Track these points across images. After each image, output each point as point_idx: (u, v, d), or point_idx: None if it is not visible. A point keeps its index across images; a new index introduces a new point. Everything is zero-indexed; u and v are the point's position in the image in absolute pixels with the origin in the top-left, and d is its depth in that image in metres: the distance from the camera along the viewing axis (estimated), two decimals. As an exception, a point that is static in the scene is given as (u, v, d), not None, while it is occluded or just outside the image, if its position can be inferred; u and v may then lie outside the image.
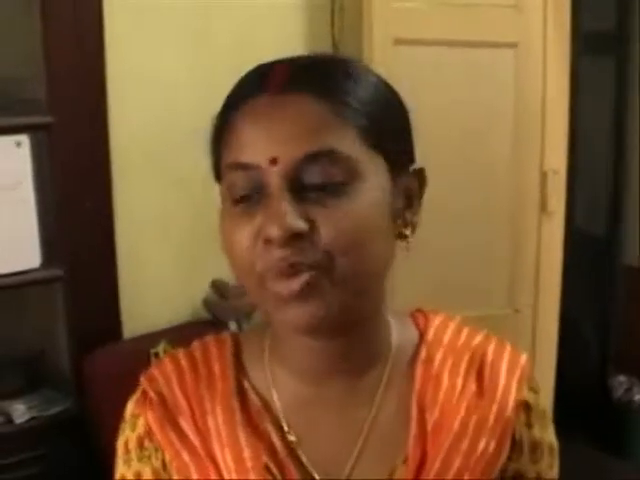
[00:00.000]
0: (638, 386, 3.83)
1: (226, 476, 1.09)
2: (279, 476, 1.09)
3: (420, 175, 1.11)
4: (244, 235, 1.00)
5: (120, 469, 1.19)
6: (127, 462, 1.17)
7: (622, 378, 3.90)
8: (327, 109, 1.01)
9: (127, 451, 1.17)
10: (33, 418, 2.06)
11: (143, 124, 2.15)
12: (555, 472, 1.20)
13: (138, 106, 2.14)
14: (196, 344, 1.19)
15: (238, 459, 1.10)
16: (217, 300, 2.22)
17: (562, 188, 2.67)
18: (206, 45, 2.22)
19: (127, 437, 1.17)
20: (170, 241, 2.24)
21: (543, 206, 2.63)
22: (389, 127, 1.06)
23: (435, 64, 2.40)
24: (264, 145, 1.01)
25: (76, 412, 2.07)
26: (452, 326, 1.19)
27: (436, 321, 1.19)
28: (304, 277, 0.99)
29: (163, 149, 2.19)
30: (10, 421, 2.04)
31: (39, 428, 2.05)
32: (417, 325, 1.19)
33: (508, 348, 1.17)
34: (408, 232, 1.08)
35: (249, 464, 1.09)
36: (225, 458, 1.11)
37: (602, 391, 3.89)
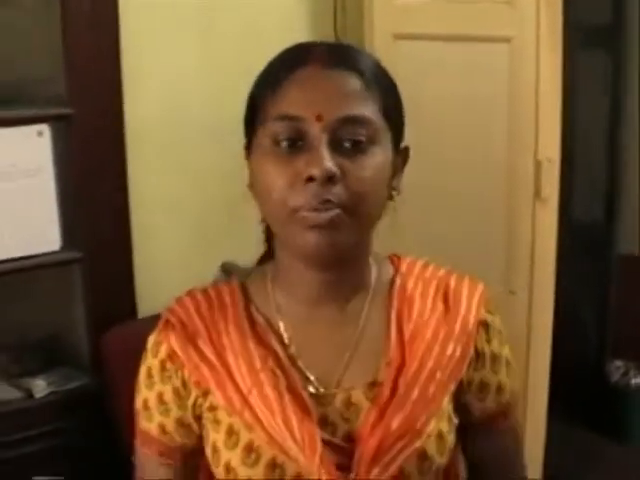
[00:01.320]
0: (634, 370, 3.90)
1: (239, 381, 1.31)
2: (283, 379, 1.30)
3: (405, 152, 1.39)
4: (284, 174, 1.24)
5: (142, 394, 1.41)
6: (149, 386, 1.40)
7: (619, 363, 3.95)
8: (359, 84, 1.28)
9: (150, 376, 1.40)
10: (52, 393, 2.11)
11: (157, 114, 2.20)
12: (514, 381, 1.46)
13: (151, 97, 2.19)
14: (209, 285, 1.43)
15: (250, 364, 1.31)
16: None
17: (556, 175, 2.72)
18: (214, 40, 2.28)
19: (150, 364, 1.40)
20: (182, 225, 2.29)
21: (537, 192, 2.69)
22: (397, 107, 1.35)
23: (433, 58, 2.45)
24: (311, 104, 1.24)
25: (93, 388, 2.13)
26: (420, 262, 1.45)
27: (407, 259, 1.45)
28: (332, 213, 1.22)
29: (176, 138, 2.24)
30: (31, 396, 2.10)
31: (58, 403, 2.10)
32: (392, 263, 1.45)
33: (467, 278, 1.43)
34: (395, 194, 1.37)
35: (258, 367, 1.31)
36: (239, 365, 1.32)
37: (599, 375, 3.96)
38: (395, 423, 1.29)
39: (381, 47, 2.24)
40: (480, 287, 1.43)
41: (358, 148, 1.26)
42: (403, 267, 1.45)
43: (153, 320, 1.46)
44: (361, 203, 1.25)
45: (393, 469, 1.28)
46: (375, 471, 1.27)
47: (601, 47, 3.96)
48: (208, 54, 2.29)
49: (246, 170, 1.36)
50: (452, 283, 1.43)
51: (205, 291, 1.43)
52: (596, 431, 3.88)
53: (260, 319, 1.39)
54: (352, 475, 1.27)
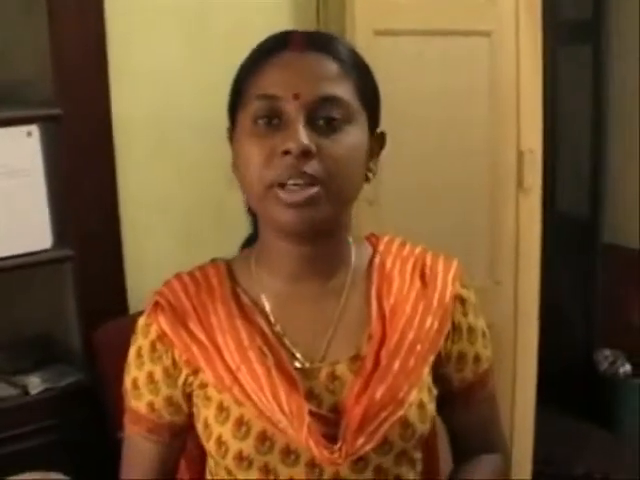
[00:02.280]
0: (622, 359, 3.94)
1: (228, 358, 1.36)
2: (270, 355, 1.36)
3: (382, 137, 1.45)
4: (260, 151, 1.30)
5: (132, 373, 1.46)
6: (139, 366, 1.45)
7: (607, 352, 3.99)
8: (336, 67, 1.34)
9: (139, 356, 1.45)
10: (47, 390, 2.14)
11: (144, 113, 2.22)
12: (489, 351, 1.53)
13: (139, 96, 2.21)
14: (195, 267, 1.48)
15: (238, 342, 1.37)
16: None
17: (538, 166, 2.74)
18: (201, 38, 2.30)
19: (140, 344, 1.45)
20: (172, 222, 2.32)
21: (520, 183, 2.72)
22: (373, 91, 1.41)
23: (414, 53, 2.48)
24: (289, 84, 1.31)
25: (87, 383, 2.16)
26: (397, 241, 1.51)
27: (385, 239, 1.51)
28: (311, 191, 1.28)
29: (164, 136, 2.27)
30: (26, 393, 2.13)
31: (53, 399, 2.13)
32: (370, 243, 1.51)
33: (442, 256, 1.49)
34: (371, 176, 1.43)
35: (246, 344, 1.36)
36: (227, 343, 1.37)
37: (588, 365, 4.01)
38: (379, 393, 1.35)
39: (362, 43, 2.25)
40: (454, 263, 1.50)
41: (333, 127, 1.32)
42: (381, 246, 1.51)
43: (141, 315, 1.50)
44: (336, 179, 1.31)
45: (378, 437, 1.33)
46: (361, 440, 1.32)
47: (583, 40, 3.99)
48: (195, 52, 2.31)
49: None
50: (428, 260, 1.48)
51: (192, 273, 1.48)
52: (585, 420, 3.92)
53: (246, 299, 1.44)
54: (339, 444, 1.32)
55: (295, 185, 1.29)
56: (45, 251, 2.09)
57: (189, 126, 2.27)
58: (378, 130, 1.45)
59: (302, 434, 1.31)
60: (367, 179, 1.42)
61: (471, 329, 1.50)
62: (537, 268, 2.83)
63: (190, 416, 1.46)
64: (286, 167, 1.29)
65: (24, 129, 2.01)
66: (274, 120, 1.32)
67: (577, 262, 4.13)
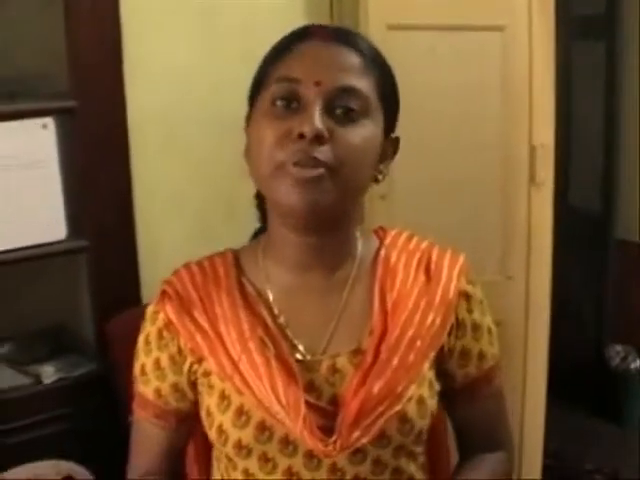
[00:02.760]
0: (633, 355, 3.93)
1: (230, 348, 1.38)
2: (271, 346, 1.37)
3: (396, 143, 1.46)
4: (274, 131, 1.31)
5: (140, 359, 1.49)
6: (147, 352, 1.48)
7: (618, 347, 3.98)
8: (359, 61, 1.36)
9: (147, 343, 1.48)
10: (60, 379, 2.16)
11: (158, 107, 2.23)
12: (495, 348, 1.52)
13: (153, 90, 2.22)
14: (203, 257, 1.50)
15: (239, 332, 1.38)
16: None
17: (551, 160, 2.73)
18: (215, 32, 2.31)
19: (148, 332, 1.48)
20: (185, 215, 2.33)
21: (532, 177, 2.70)
22: (392, 92, 1.43)
23: (427, 47, 2.48)
24: (311, 70, 1.32)
25: (99, 373, 2.18)
26: (405, 234, 1.51)
27: (392, 232, 1.51)
28: (317, 171, 1.28)
29: (177, 130, 2.28)
30: (39, 382, 2.15)
31: (66, 388, 2.16)
32: (378, 236, 1.51)
33: (449, 251, 1.48)
34: (380, 178, 1.41)
35: (247, 335, 1.37)
36: (229, 333, 1.38)
37: (599, 360, 4.00)
38: (376, 388, 1.35)
39: (376, 37, 2.21)
40: (461, 259, 1.49)
41: (349, 117, 1.33)
42: (387, 239, 1.51)
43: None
44: (345, 167, 1.31)
45: (374, 432, 1.34)
46: (356, 433, 1.33)
47: (597, 35, 3.98)
48: (209, 46, 2.32)
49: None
50: (434, 255, 1.48)
51: (200, 263, 1.50)
52: (596, 415, 3.91)
53: (250, 289, 1.45)
54: (334, 436, 1.33)
55: (303, 165, 1.29)
56: (59, 242, 2.10)
57: (203, 121, 2.28)
58: (393, 135, 1.45)
59: (298, 424, 1.32)
60: (376, 180, 1.42)
61: (476, 326, 1.49)
62: (549, 263, 2.83)
63: (196, 403, 1.48)
64: (298, 150, 1.29)
65: (40, 121, 2.03)
66: (293, 103, 1.33)
67: (589, 257, 4.12)
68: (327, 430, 1.34)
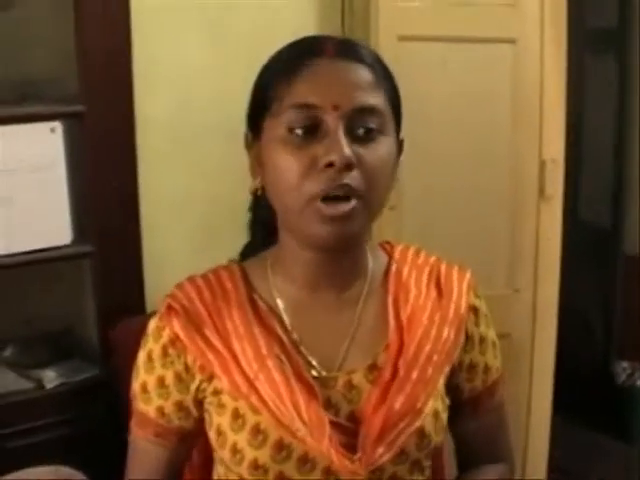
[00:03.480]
0: (640, 371, 3.87)
1: (245, 366, 1.34)
2: (287, 364, 1.34)
3: (401, 144, 1.43)
4: (300, 161, 1.27)
5: (141, 377, 1.44)
6: (149, 370, 1.43)
7: (625, 364, 3.95)
8: (370, 76, 1.32)
9: (150, 360, 1.42)
10: (62, 384, 2.14)
11: (167, 112, 2.23)
12: (499, 361, 1.52)
13: (161, 96, 2.22)
14: (208, 271, 1.45)
15: (255, 349, 1.35)
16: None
17: (560, 175, 2.73)
18: (224, 38, 2.31)
19: (150, 348, 1.42)
20: (191, 221, 2.32)
21: (541, 191, 2.70)
22: (398, 99, 1.40)
23: (437, 59, 2.47)
24: (328, 93, 1.28)
25: (102, 379, 2.15)
26: (412, 249, 1.50)
27: (399, 247, 1.50)
28: (352, 204, 1.26)
29: (186, 135, 2.27)
30: (41, 387, 2.13)
31: (68, 393, 2.14)
32: (385, 251, 1.49)
33: (456, 266, 1.48)
34: (394, 185, 1.39)
35: (264, 352, 1.34)
36: (245, 350, 1.35)
37: (605, 376, 3.97)
38: (398, 403, 1.34)
39: (386, 48, 2.25)
40: (468, 274, 1.49)
41: (370, 137, 1.31)
42: (396, 254, 1.50)
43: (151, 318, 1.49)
44: (374, 190, 1.30)
45: (396, 447, 1.33)
46: (380, 449, 1.32)
47: (608, 49, 3.97)
48: (218, 52, 2.31)
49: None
50: (443, 270, 1.48)
51: (205, 277, 1.46)
52: (601, 432, 3.87)
53: (262, 305, 1.42)
54: (358, 454, 1.31)
55: (336, 197, 1.27)
56: (65, 247, 2.09)
57: (210, 127, 2.28)
58: (400, 137, 1.43)
59: (323, 444, 1.30)
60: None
61: (482, 339, 1.50)
62: (557, 277, 2.82)
63: (199, 421, 1.44)
64: (328, 179, 1.27)
65: (48, 125, 2.02)
66: (312, 131, 1.29)
67: (597, 273, 4.10)
68: (348, 447, 1.32)
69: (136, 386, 1.47)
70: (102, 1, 2.04)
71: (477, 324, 1.49)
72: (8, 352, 2.27)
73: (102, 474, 1.84)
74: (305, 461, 1.33)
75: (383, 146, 1.32)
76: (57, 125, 2.03)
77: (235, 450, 1.35)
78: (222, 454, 1.38)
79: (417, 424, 1.35)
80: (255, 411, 1.34)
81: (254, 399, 1.34)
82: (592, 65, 3.96)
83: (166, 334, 1.41)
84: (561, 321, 2.90)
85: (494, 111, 2.61)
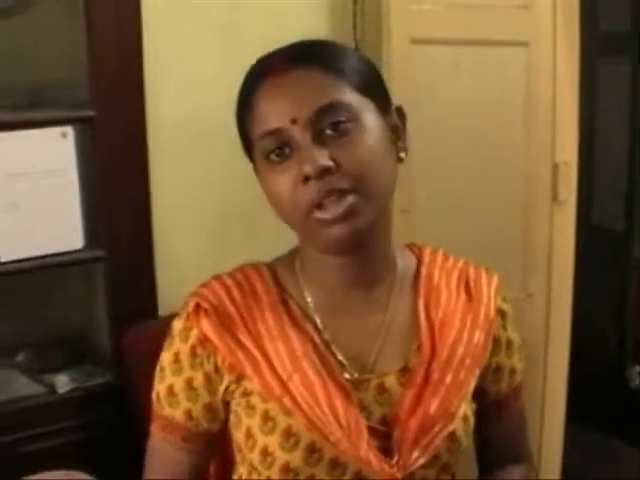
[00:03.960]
0: (654, 375, 3.86)
1: (279, 367, 1.33)
2: (320, 365, 1.33)
3: (400, 112, 1.40)
4: (285, 182, 1.27)
5: (167, 380, 1.41)
6: (176, 372, 1.40)
7: (638, 368, 3.94)
8: (323, 72, 1.30)
9: (177, 361, 1.40)
10: (75, 389, 2.14)
11: (179, 116, 2.22)
12: (523, 364, 1.53)
13: (173, 100, 2.21)
14: (234, 269, 1.44)
15: (290, 350, 1.33)
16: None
17: (573, 179, 2.72)
18: (236, 43, 2.30)
19: (177, 349, 1.40)
20: (203, 225, 2.31)
21: (554, 195, 2.69)
22: (371, 79, 1.36)
23: (449, 62, 2.46)
24: (282, 111, 1.28)
25: (115, 384, 2.15)
26: (441, 252, 1.50)
27: (428, 250, 1.49)
28: (345, 202, 1.25)
29: (196, 139, 2.27)
30: (54, 392, 2.13)
31: (80, 398, 2.14)
32: (414, 253, 1.49)
33: (484, 269, 1.48)
34: (403, 155, 1.36)
35: (299, 353, 1.33)
36: (278, 351, 1.33)
37: (619, 380, 3.95)
38: (433, 407, 1.34)
39: (398, 51, 2.26)
40: (495, 277, 1.50)
41: (341, 131, 1.28)
42: (426, 257, 1.49)
43: (174, 318, 1.47)
44: (365, 181, 1.27)
45: (430, 451, 1.33)
46: (415, 454, 1.32)
47: (621, 52, 3.96)
48: (230, 57, 2.29)
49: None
50: (471, 273, 1.48)
51: (233, 276, 1.44)
52: (616, 436, 3.85)
53: (294, 306, 1.41)
54: (395, 458, 1.31)
55: (330, 202, 1.26)
56: (77, 251, 2.09)
57: (222, 131, 2.25)
58: (393, 107, 1.40)
59: (361, 448, 1.30)
60: (400, 160, 1.38)
61: (509, 342, 1.50)
62: (570, 281, 2.81)
63: (225, 424, 1.43)
64: (313, 191, 1.26)
65: (59, 130, 2.02)
66: (285, 150, 1.30)
67: (611, 277, 4.09)
68: (382, 451, 1.32)
69: (161, 389, 1.44)
70: (113, 6, 2.05)
71: (505, 327, 1.49)
72: (21, 357, 2.28)
73: (115, 479, 1.84)
74: (336, 465, 1.32)
75: (361, 134, 1.29)
76: (69, 130, 2.03)
77: (266, 453, 1.33)
78: (251, 456, 1.36)
79: (451, 428, 1.35)
80: (287, 413, 1.33)
81: (287, 401, 1.32)
82: (605, 68, 3.94)
83: (194, 334, 1.39)
84: (574, 326, 2.89)
85: (506, 114, 2.60)
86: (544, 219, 2.73)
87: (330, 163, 1.26)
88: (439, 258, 1.50)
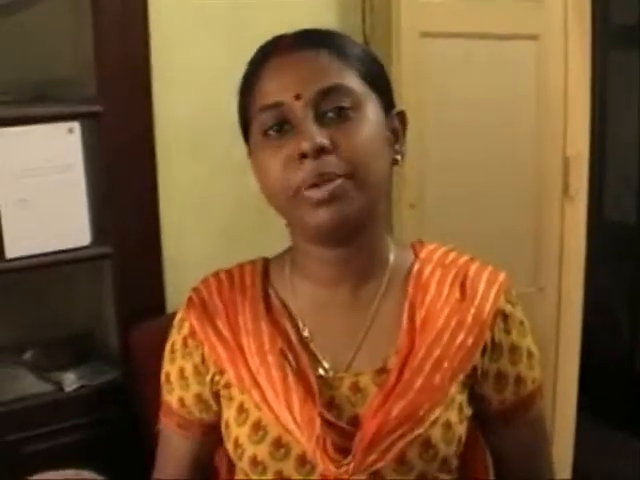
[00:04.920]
0: (667, 368, 3.86)
1: (250, 360, 1.33)
2: (293, 361, 1.32)
3: (402, 116, 1.38)
4: (278, 159, 1.26)
5: (166, 367, 1.46)
6: (172, 360, 1.45)
7: (652, 359, 3.94)
8: (331, 57, 1.29)
9: (173, 351, 1.45)
10: (82, 387, 2.14)
11: (186, 112, 2.21)
12: (537, 372, 1.43)
13: (181, 96, 2.20)
14: (235, 265, 1.47)
15: (259, 344, 1.34)
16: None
17: (585, 172, 2.71)
18: (244, 39, 2.20)
19: (174, 339, 1.45)
20: (211, 222, 2.30)
21: (565, 189, 2.68)
22: (378, 73, 1.35)
23: (460, 55, 2.44)
24: (287, 86, 1.27)
25: (122, 382, 2.15)
26: (442, 249, 1.44)
27: (430, 246, 1.45)
28: (333, 184, 1.23)
29: (205, 135, 2.25)
30: (61, 390, 2.13)
31: (88, 396, 2.13)
32: (414, 250, 1.44)
33: (489, 268, 1.41)
34: (399, 158, 1.34)
35: (267, 347, 1.33)
36: (250, 345, 1.34)
37: (631, 374, 3.95)
38: (395, 410, 1.29)
39: (408, 45, 2.24)
40: (501, 276, 1.41)
41: (343, 116, 1.27)
42: (423, 253, 1.45)
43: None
44: (360, 168, 1.26)
45: (391, 455, 1.28)
46: (372, 456, 1.28)
47: (632, 45, 3.95)
48: (238, 53, 2.20)
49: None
50: (471, 271, 1.41)
51: (229, 271, 1.47)
52: (628, 429, 3.85)
53: (276, 301, 1.41)
54: (349, 459, 1.28)
55: (320, 183, 1.25)
56: (84, 248, 2.08)
57: (230, 126, 2.24)
58: (395, 110, 1.39)
59: (311, 443, 1.28)
60: (395, 162, 1.36)
61: (514, 348, 1.41)
62: (581, 275, 2.80)
63: (220, 414, 1.44)
64: (306, 170, 1.25)
65: (66, 125, 2.00)
66: (284, 127, 1.29)
67: (623, 271, 4.08)
68: (344, 451, 1.29)
69: (163, 375, 1.50)
70: (120, 1, 2.03)
71: (507, 331, 1.40)
72: (28, 355, 2.27)
73: (122, 477, 1.83)
74: (303, 462, 1.31)
75: (361, 123, 1.28)
76: (75, 125, 2.01)
77: (237, 444, 1.35)
78: (227, 447, 1.39)
79: (417, 432, 1.29)
80: (257, 406, 1.34)
81: (255, 394, 1.33)
82: (616, 61, 3.93)
83: (187, 326, 1.44)
84: (586, 319, 2.88)
85: (518, 108, 2.58)
86: (555, 213, 2.71)
87: (328, 143, 1.25)
88: (438, 254, 1.45)
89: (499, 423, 1.45)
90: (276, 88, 1.29)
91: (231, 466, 1.50)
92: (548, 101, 2.62)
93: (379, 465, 1.28)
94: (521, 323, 1.43)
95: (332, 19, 2.40)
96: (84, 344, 2.31)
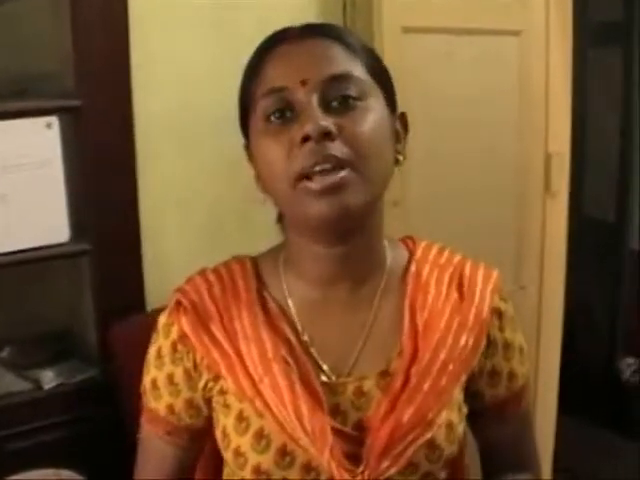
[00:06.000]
0: (646, 368, 3.85)
1: (251, 368, 1.30)
2: (295, 367, 1.29)
3: (403, 118, 1.37)
4: (280, 145, 1.23)
5: (151, 374, 1.41)
6: (159, 366, 1.40)
7: (630, 360, 3.96)
8: (340, 47, 1.28)
9: (160, 356, 1.40)
10: (61, 385, 2.11)
11: (167, 107, 2.19)
12: (526, 368, 1.45)
13: (161, 91, 2.17)
14: (220, 264, 1.41)
15: (262, 352, 1.30)
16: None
17: (566, 169, 2.72)
18: (225, 33, 2.27)
19: (160, 344, 1.40)
20: (192, 219, 2.28)
21: (547, 186, 2.68)
22: (384, 71, 1.34)
23: (442, 51, 2.43)
24: (294, 71, 1.25)
25: (101, 380, 2.13)
26: (436, 247, 1.43)
27: (422, 244, 1.43)
28: (341, 174, 1.20)
29: (186, 131, 2.23)
30: (39, 388, 2.10)
31: (67, 394, 2.10)
32: (407, 247, 1.43)
33: (482, 265, 1.41)
34: (401, 158, 1.35)
35: (270, 355, 1.29)
36: (251, 352, 1.30)
37: (610, 372, 3.97)
38: (406, 415, 1.28)
39: (390, 40, 2.23)
40: (494, 275, 1.42)
41: (349, 105, 1.25)
42: (418, 252, 1.44)
43: (161, 313, 1.46)
44: (365, 158, 1.23)
45: (403, 461, 1.27)
46: (385, 463, 1.27)
47: (613, 42, 3.96)
48: (219, 49, 2.27)
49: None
50: (467, 270, 1.41)
51: (217, 271, 1.42)
52: (607, 428, 3.87)
53: (272, 304, 1.38)
54: (362, 467, 1.26)
55: (323, 171, 1.21)
56: (62, 245, 2.05)
57: (212, 123, 2.24)
58: (398, 112, 1.38)
59: (325, 454, 1.26)
60: (397, 162, 1.35)
61: (507, 345, 1.43)
62: (562, 273, 2.81)
63: (210, 419, 1.41)
64: (309, 154, 1.22)
65: (44, 120, 1.97)
66: (287, 113, 1.26)
67: (603, 269, 4.09)
68: (351, 457, 1.28)
69: (146, 382, 1.45)
70: (100, -6, 2.00)
71: (502, 329, 1.42)
72: (5, 352, 2.24)
73: (102, 475, 1.81)
74: (309, 469, 1.29)
75: (367, 113, 1.27)
76: (53, 120, 1.98)
77: (238, 453, 1.31)
78: (226, 456, 1.35)
79: (427, 436, 1.29)
80: (259, 415, 1.30)
81: (258, 403, 1.30)
82: (597, 58, 3.94)
83: (175, 330, 1.39)
84: (566, 317, 2.89)
85: (499, 104, 2.58)
86: (537, 210, 2.72)
87: (332, 127, 1.22)
88: (432, 253, 1.44)
89: (492, 417, 1.47)
90: (282, 73, 1.27)
91: (215, 468, 1.50)
92: (530, 97, 2.63)
93: (391, 471, 1.27)
94: (512, 319, 1.45)
95: (313, 14, 2.38)
96: (63, 341, 2.28)
